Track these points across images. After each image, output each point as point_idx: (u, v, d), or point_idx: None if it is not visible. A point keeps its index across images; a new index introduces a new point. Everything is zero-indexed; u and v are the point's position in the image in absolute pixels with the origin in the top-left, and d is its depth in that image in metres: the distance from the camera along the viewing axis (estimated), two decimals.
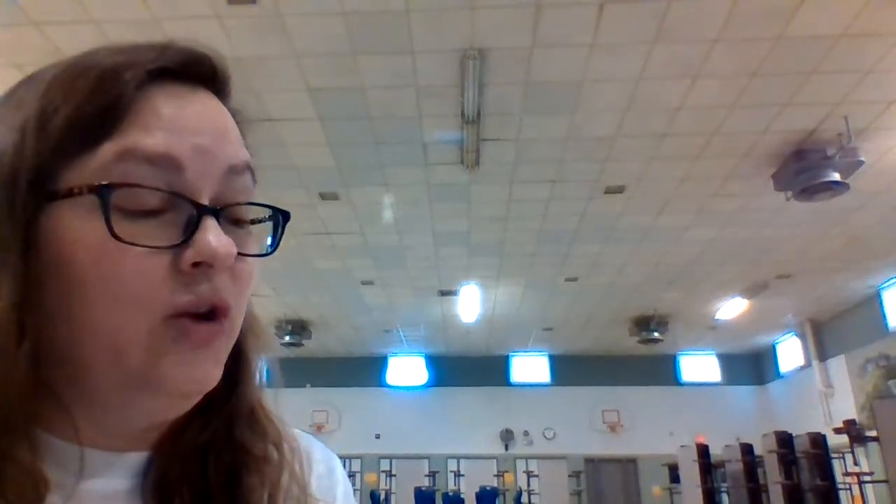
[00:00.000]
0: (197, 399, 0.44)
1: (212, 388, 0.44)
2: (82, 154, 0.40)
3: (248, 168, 0.47)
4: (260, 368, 0.51)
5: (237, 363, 0.49)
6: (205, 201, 0.42)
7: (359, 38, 4.94)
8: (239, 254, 0.43)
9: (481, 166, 6.78)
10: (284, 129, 6.09)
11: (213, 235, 0.41)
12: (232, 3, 4.55)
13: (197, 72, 0.46)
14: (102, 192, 0.39)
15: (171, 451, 0.46)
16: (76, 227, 0.39)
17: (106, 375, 0.41)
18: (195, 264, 0.41)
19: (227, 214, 0.44)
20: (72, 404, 0.42)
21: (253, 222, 0.48)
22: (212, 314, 0.42)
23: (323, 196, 7.48)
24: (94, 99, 0.41)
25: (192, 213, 0.41)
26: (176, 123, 0.43)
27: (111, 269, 0.39)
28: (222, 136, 0.45)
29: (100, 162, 0.40)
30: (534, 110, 5.85)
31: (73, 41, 4.90)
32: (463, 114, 5.81)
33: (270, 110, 5.77)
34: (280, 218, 0.48)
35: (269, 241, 0.49)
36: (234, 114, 0.49)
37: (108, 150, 0.40)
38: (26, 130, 0.40)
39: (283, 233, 0.49)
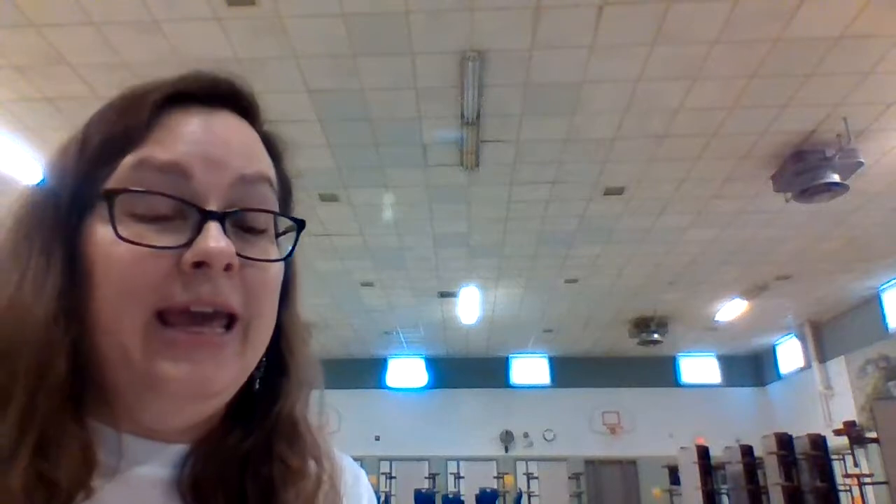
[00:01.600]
0: (206, 402, 0.46)
1: (218, 392, 0.45)
2: (109, 169, 0.45)
3: (266, 180, 0.50)
4: (307, 385, 0.54)
5: (280, 377, 0.52)
6: (211, 207, 0.45)
7: (358, 39, 4.94)
8: (244, 257, 0.46)
9: (481, 168, 6.78)
10: (284, 130, 6.03)
11: (211, 237, 0.44)
12: (232, 4, 4.55)
13: (219, 94, 0.51)
14: (109, 196, 0.44)
15: (210, 453, 0.48)
16: (97, 232, 0.44)
17: (119, 374, 0.44)
18: (196, 265, 0.43)
19: (237, 221, 0.47)
20: (110, 397, 0.45)
21: (278, 235, 0.51)
22: (217, 317, 0.45)
23: (322, 197, 7.47)
24: (121, 122, 0.46)
25: (198, 219, 0.45)
26: (188, 137, 0.47)
27: (115, 268, 0.43)
28: (234, 149, 0.48)
29: (119, 173, 0.45)
30: (533, 112, 5.85)
31: (73, 42, 4.90)
32: (462, 115, 5.81)
33: (270, 111, 5.71)
34: (295, 226, 0.51)
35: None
36: (268, 136, 0.54)
37: (127, 162, 0.45)
38: (69, 154, 0.47)
39: (297, 240, 0.51)
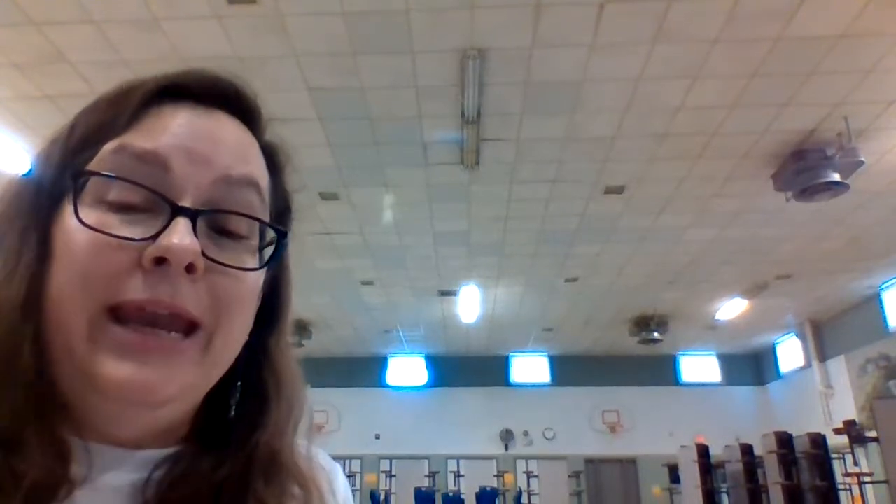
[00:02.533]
0: (157, 412, 0.43)
1: (165, 400, 0.41)
2: (90, 154, 0.43)
3: (253, 185, 0.46)
4: (294, 416, 0.50)
5: (262, 406, 0.48)
6: (185, 203, 0.42)
7: (359, 38, 4.93)
8: (212, 260, 0.42)
9: (481, 166, 6.78)
10: (284, 129, 5.97)
11: (175, 232, 0.40)
12: (232, 3, 4.55)
13: (218, 95, 0.48)
14: (76, 177, 0.42)
15: (181, 475, 0.44)
16: (64, 216, 0.42)
17: (63, 371, 0.41)
18: (157, 262, 0.40)
19: (213, 222, 0.44)
20: (66, 398, 0.42)
21: (263, 246, 0.48)
22: (176, 321, 0.41)
23: (323, 196, 7.47)
24: (109, 110, 0.45)
25: (168, 213, 0.42)
26: (173, 128, 0.44)
27: (72, 254, 0.40)
28: (222, 147, 0.45)
29: (98, 157, 0.43)
30: (534, 110, 5.85)
31: (73, 41, 4.90)
32: (463, 114, 5.81)
33: (270, 110, 5.71)
34: (278, 236, 0.48)
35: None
36: (270, 146, 0.51)
37: (107, 147, 0.43)
38: (57, 141, 0.45)
39: (279, 250, 0.48)
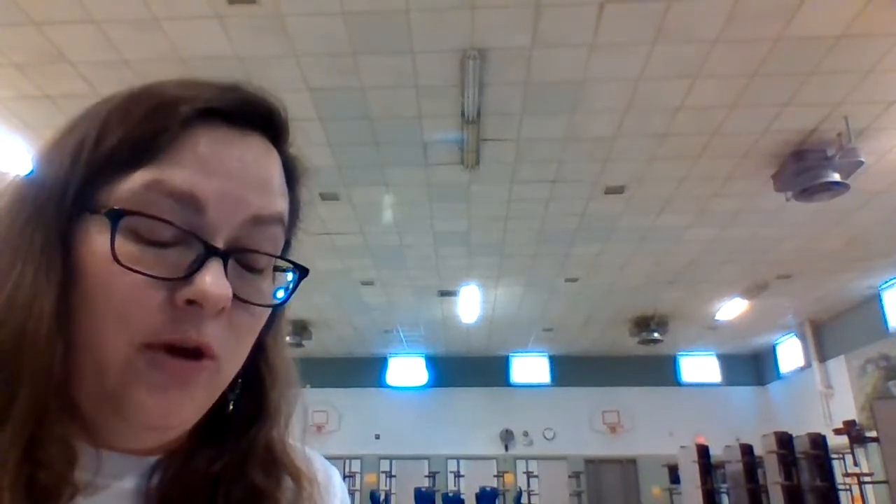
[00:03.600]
0: (168, 434, 0.44)
1: (180, 424, 0.43)
2: (121, 175, 0.42)
3: (280, 221, 0.47)
4: (287, 408, 0.51)
5: (254, 398, 0.49)
6: (218, 244, 0.43)
7: (359, 38, 4.94)
8: (242, 300, 0.44)
9: (481, 166, 6.78)
10: None
11: (210, 276, 0.41)
12: (232, 2, 4.55)
13: (252, 116, 0.48)
14: (113, 216, 0.41)
15: (179, 470, 0.46)
16: (94, 242, 0.42)
17: (89, 391, 0.42)
18: (189, 302, 0.41)
19: (241, 260, 0.45)
20: (84, 412, 0.43)
21: (277, 270, 0.49)
22: (194, 352, 0.42)
23: (323, 196, 7.47)
24: (144, 126, 0.43)
25: (200, 252, 0.42)
26: (210, 165, 0.44)
27: (109, 289, 0.41)
28: (255, 185, 0.46)
29: (129, 187, 0.42)
30: (534, 110, 5.85)
31: (74, 41, 4.90)
32: (463, 114, 5.81)
33: None
34: (296, 273, 0.49)
35: (282, 292, 0.49)
36: (291, 161, 0.51)
37: (139, 177, 0.42)
38: (85, 145, 0.43)
39: (296, 287, 0.49)
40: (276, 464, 0.49)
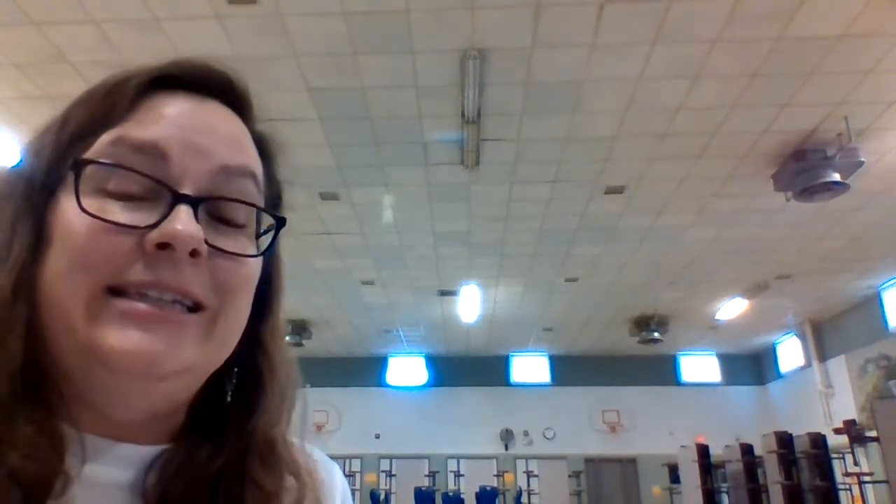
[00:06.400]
0: (160, 386, 0.43)
1: (171, 373, 0.42)
2: (85, 145, 0.44)
3: (250, 174, 0.47)
4: (287, 403, 0.51)
5: (253, 392, 0.49)
6: (186, 191, 0.43)
7: (359, 38, 4.94)
8: (218, 249, 0.44)
9: (481, 166, 6.78)
10: (284, 129, 6.03)
11: (179, 220, 0.41)
12: (232, 2, 4.55)
13: (211, 85, 0.49)
14: (76, 166, 0.42)
15: (179, 467, 0.45)
16: (62, 202, 0.42)
17: (64, 348, 0.41)
18: (160, 247, 0.41)
19: (213, 210, 0.45)
20: (63, 386, 0.42)
21: (260, 234, 0.49)
22: (178, 302, 0.42)
23: (323, 196, 7.48)
24: (103, 102, 0.45)
25: (169, 201, 0.42)
26: (171, 120, 0.45)
27: (71, 239, 0.41)
28: (219, 137, 0.46)
29: (94, 148, 0.43)
30: (534, 110, 5.85)
31: (74, 41, 4.90)
32: (463, 114, 5.81)
33: (270, 110, 5.58)
34: (275, 223, 0.49)
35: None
36: (261, 136, 0.51)
37: (103, 139, 0.44)
38: (51, 131, 0.46)
39: (275, 237, 0.49)
40: (276, 459, 0.48)
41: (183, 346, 0.42)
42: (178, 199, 0.42)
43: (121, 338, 0.40)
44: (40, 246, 0.42)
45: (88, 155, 0.43)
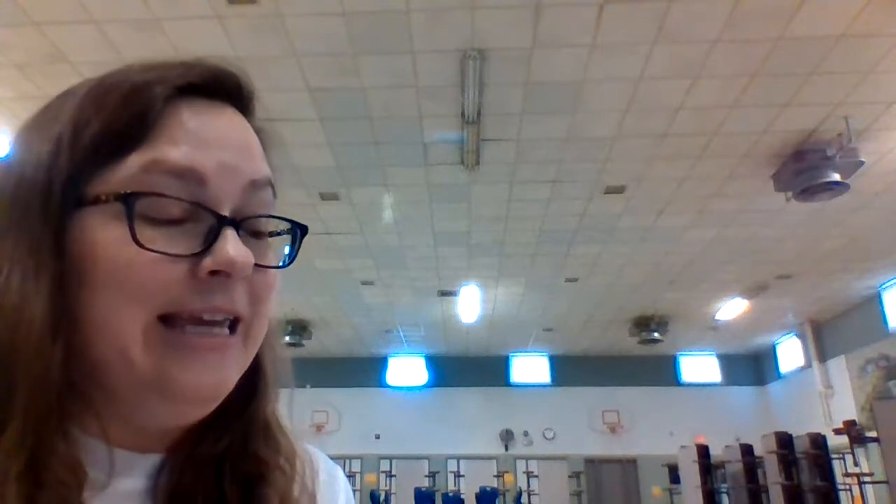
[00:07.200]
0: (213, 405, 0.45)
1: (224, 395, 0.44)
2: (111, 164, 0.42)
3: (269, 183, 0.49)
4: (276, 382, 0.52)
5: (254, 376, 0.50)
6: (226, 213, 0.44)
7: (359, 38, 4.94)
8: (257, 265, 0.45)
9: (481, 166, 6.78)
10: (285, 128, 6.08)
11: (231, 245, 0.42)
12: (232, 2, 4.55)
13: (222, 88, 0.49)
14: (128, 200, 0.41)
15: (186, 457, 0.47)
16: (100, 232, 0.41)
17: (119, 377, 0.42)
18: (212, 273, 0.42)
19: (246, 226, 0.46)
20: (97, 405, 0.43)
21: (271, 234, 0.50)
22: (224, 322, 0.44)
23: (323, 196, 7.48)
24: (124, 111, 0.43)
25: (212, 224, 0.43)
26: (201, 138, 0.45)
27: (128, 272, 0.41)
28: (245, 152, 0.47)
29: (127, 171, 0.42)
30: (534, 110, 5.85)
31: (74, 41, 4.90)
32: (463, 114, 5.81)
33: (271, 110, 5.77)
34: (297, 231, 0.50)
35: (286, 252, 0.50)
36: (259, 131, 0.51)
37: (135, 160, 0.42)
38: (62, 141, 0.42)
39: (299, 245, 0.50)
40: (274, 440, 0.50)
41: (233, 367, 0.45)
42: (222, 221, 0.43)
43: (189, 372, 0.42)
44: (68, 273, 0.41)
45: (127, 182, 0.42)
